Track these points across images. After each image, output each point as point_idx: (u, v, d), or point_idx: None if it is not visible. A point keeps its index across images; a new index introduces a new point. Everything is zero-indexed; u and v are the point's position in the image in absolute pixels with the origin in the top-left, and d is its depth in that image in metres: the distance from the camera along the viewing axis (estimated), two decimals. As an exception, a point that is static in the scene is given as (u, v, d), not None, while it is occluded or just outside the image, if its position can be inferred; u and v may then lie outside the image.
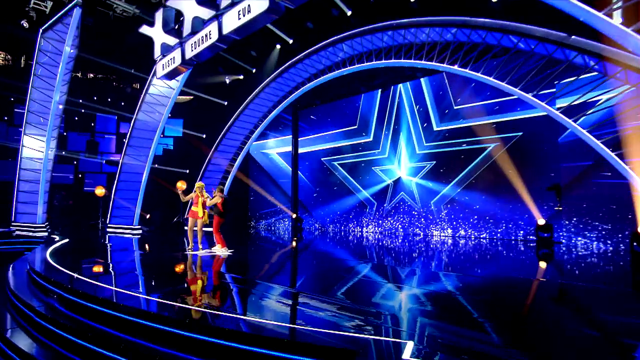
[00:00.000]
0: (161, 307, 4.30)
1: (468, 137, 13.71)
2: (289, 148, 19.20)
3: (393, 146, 15.84)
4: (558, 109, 8.81)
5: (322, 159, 18.38)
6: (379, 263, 8.01)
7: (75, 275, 6.48)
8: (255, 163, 20.33)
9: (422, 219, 15.04)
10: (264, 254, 9.48)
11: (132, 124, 16.07)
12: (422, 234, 14.83)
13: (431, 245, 11.14)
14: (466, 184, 13.74)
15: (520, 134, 12.27)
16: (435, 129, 14.64)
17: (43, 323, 5.16)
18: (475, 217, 13.37)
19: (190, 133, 16.90)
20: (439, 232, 14.49)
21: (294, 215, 17.59)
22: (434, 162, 14.70)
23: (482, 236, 13.09)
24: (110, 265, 7.90)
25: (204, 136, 16.80)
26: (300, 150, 19.38)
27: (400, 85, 15.35)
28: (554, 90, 9.58)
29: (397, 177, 15.63)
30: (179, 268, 7.30)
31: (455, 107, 14.03)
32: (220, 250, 8.40)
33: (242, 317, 3.99)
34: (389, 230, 15.87)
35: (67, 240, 11.96)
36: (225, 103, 16.63)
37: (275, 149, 20.01)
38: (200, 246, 8.75)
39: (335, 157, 18.00)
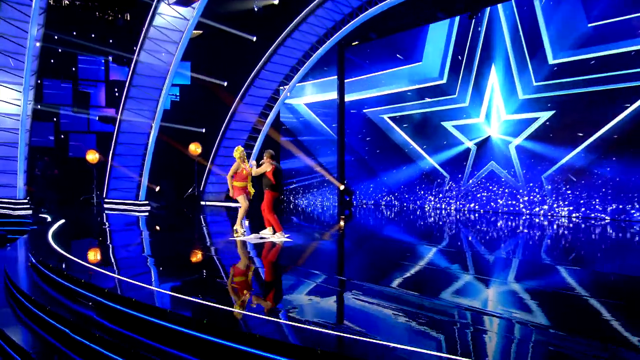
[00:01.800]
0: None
1: (617, 70, 11.19)
2: (323, 96, 17.86)
3: (478, 91, 14.16)
4: None
5: (364, 110, 16.94)
6: (463, 251, 7.64)
7: (119, 276, 5.95)
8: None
9: (523, 199, 13.35)
10: (312, 237, 9.08)
11: (131, 69, 15.21)
12: (520, 219, 13.01)
13: (539, 232, 10.19)
14: (608, 146, 11.53)
15: None
16: (551, 61, 12.54)
17: (91, 345, 4.59)
18: (616, 194, 11.43)
19: (203, 79, 15.91)
20: (553, 215, 12.68)
21: (342, 187, 16.78)
22: (553, 111, 12.60)
23: (625, 220, 11.24)
24: (150, 259, 7.41)
25: (225, 84, 15.77)
26: (333, 97, 17.70)
27: (498, 6, 13.42)
28: None
29: (484, 136, 14.08)
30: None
31: (590, 25, 11.76)
32: (275, 236, 7.92)
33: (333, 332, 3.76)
34: (467, 211, 14.50)
35: (63, 221, 11.51)
36: (254, 38, 15.51)
37: (301, 99, 18.53)
38: (240, 229, 8.28)
39: (386, 107, 16.45)
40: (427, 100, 15.46)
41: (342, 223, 11.78)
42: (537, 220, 12.05)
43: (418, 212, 14.50)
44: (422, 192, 15.88)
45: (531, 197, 13.47)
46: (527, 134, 13.41)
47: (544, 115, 13.12)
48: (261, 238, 7.96)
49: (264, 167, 7.68)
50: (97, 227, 11.44)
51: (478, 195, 14.60)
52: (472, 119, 14.50)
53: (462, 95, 14.71)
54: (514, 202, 13.82)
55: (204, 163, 16.64)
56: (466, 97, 14.63)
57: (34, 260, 7.50)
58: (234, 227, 8.62)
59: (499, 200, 14.15)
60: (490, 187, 14.29)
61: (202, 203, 16.60)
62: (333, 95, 18.06)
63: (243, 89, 16.13)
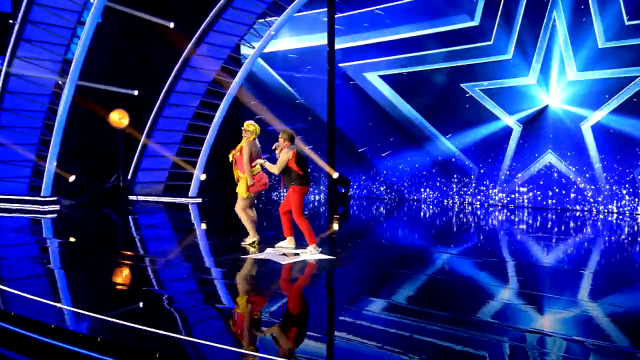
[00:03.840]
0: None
1: None
2: (286, 43, 15.37)
3: (529, 35, 11.62)
4: None
5: (340, 65, 14.53)
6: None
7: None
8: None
9: (600, 206, 11.28)
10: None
11: (26, -5, 12.49)
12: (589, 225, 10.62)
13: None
14: None
15: None
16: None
17: None
18: None
19: (132, 14, 13.64)
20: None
21: (335, 175, 14.57)
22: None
23: None
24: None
25: (172, 25, 13.53)
26: (296, 45, 15.12)
27: None
28: None
29: (535, 108, 11.74)
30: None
31: None
32: (307, 251, 7.21)
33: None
34: (504, 214, 12.18)
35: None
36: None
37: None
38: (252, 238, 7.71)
39: (375, 60, 13.83)
40: (444, 50, 12.77)
41: (335, 227, 10.29)
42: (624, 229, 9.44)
43: (420, 209, 12.74)
44: (428, 190, 13.64)
45: (614, 203, 11.04)
46: (615, 106, 10.74)
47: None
48: (283, 255, 7.18)
49: (284, 156, 7.05)
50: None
51: (520, 204, 12.25)
52: (517, 79, 11.86)
53: (502, 42, 11.86)
54: (582, 209, 11.58)
55: (137, 137, 14.39)
56: (509, 45, 11.79)
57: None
58: (250, 240, 7.84)
59: (557, 206, 11.89)
60: (543, 188, 11.96)
61: (132, 198, 14.13)
62: (305, 41, 15.29)
63: (197, 35, 14.08)
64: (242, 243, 7.68)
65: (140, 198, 14.29)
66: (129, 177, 14.73)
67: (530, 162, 12.12)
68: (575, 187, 11.60)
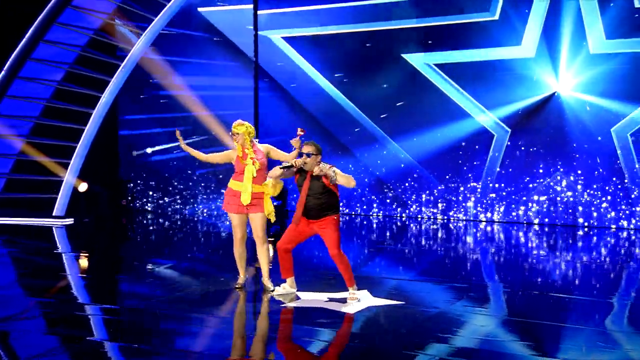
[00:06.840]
0: None
1: None
2: None
3: None
4: None
5: (207, 13, 10.84)
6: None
7: None
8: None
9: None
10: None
11: None
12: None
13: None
14: None
15: None
16: None
17: None
18: None
19: None
20: None
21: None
22: None
23: None
24: None
25: None
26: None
27: None
28: None
29: (537, 97, 8.92)
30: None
31: None
32: (357, 294, 6.19)
33: None
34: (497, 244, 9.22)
35: None
36: None
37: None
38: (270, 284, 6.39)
39: (287, 9, 10.52)
40: (392, 0, 9.41)
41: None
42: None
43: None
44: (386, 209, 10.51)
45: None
46: None
47: None
48: (332, 300, 6.24)
49: (330, 171, 5.68)
50: None
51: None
52: (503, 50, 9.01)
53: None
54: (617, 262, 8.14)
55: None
56: (496, 7, 8.94)
57: None
58: (269, 286, 6.33)
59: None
60: (549, 228, 8.98)
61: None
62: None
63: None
64: (236, 285, 6.35)
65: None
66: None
67: (527, 188, 9.23)
68: (601, 229, 8.72)
